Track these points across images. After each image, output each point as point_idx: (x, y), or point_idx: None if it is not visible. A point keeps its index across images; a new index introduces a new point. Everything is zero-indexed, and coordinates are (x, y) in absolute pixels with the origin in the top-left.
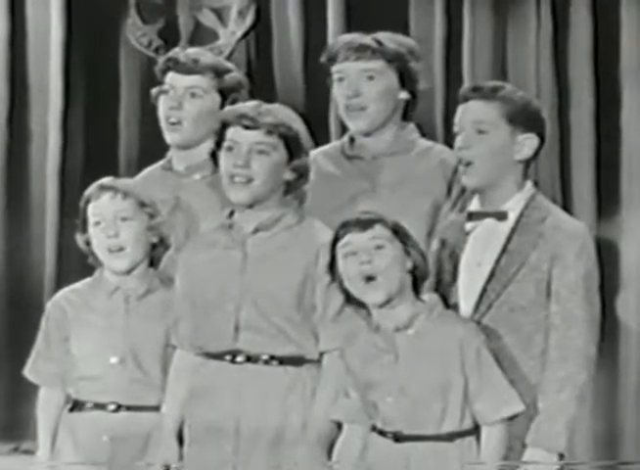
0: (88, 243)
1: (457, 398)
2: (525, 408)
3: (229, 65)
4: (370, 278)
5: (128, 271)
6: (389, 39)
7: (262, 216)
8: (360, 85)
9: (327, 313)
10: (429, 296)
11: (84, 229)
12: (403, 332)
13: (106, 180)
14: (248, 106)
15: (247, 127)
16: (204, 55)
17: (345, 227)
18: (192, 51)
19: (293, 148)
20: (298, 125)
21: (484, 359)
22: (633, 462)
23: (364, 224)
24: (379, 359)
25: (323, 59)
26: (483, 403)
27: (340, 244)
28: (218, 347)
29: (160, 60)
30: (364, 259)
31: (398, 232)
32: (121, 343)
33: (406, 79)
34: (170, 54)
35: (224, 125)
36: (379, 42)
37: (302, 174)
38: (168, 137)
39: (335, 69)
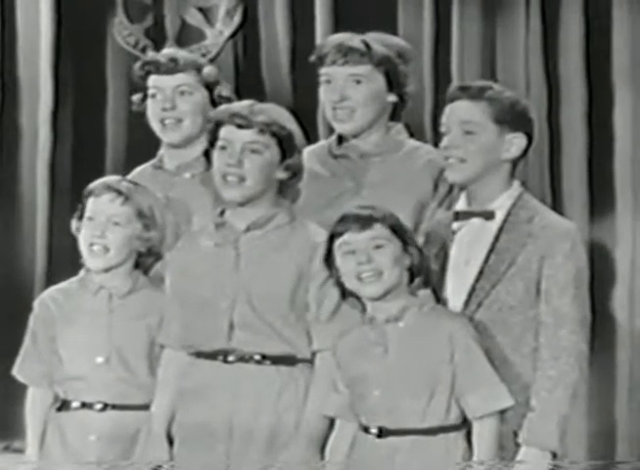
0: (79, 230)
1: (444, 392)
2: (514, 403)
3: (201, 59)
4: (367, 277)
5: (103, 271)
6: (379, 41)
7: (254, 215)
8: (347, 89)
9: (320, 313)
10: (422, 291)
11: (80, 217)
12: (394, 324)
13: (112, 180)
14: (241, 105)
15: (239, 126)
16: (178, 53)
17: (344, 224)
18: (167, 51)
19: (286, 147)
20: (292, 124)
21: (474, 354)
22: (627, 462)
23: (363, 223)
24: (369, 352)
25: (312, 59)
26: (473, 397)
27: (338, 241)
28: (211, 345)
29: (136, 66)
30: (362, 260)
31: (397, 230)
32: (106, 342)
33: (394, 82)
34: (146, 59)
35: (217, 124)
36: (367, 46)
37: (296, 173)
38: (167, 138)
39: (322, 71)
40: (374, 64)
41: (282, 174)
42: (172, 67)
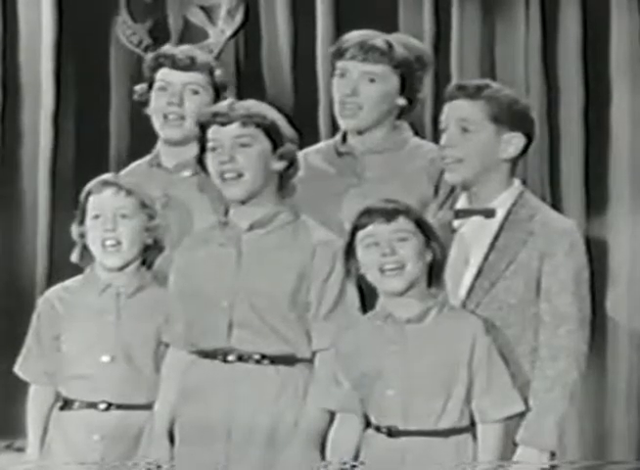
0: (83, 235)
1: (460, 394)
2: (524, 408)
3: (214, 61)
4: (391, 269)
5: (120, 269)
6: (401, 43)
7: (257, 214)
8: (359, 85)
9: (320, 312)
10: (436, 291)
11: (81, 221)
12: (415, 324)
13: (109, 176)
14: (220, 105)
15: (223, 124)
16: (195, 52)
17: (369, 216)
18: (185, 48)
19: (273, 136)
20: (273, 114)
21: (494, 358)
22: (623, 462)
23: (388, 215)
24: (383, 350)
25: (331, 51)
26: (488, 402)
27: (361, 233)
28: (212, 344)
29: (150, 56)
30: (387, 252)
31: (421, 224)
32: (113, 341)
33: (407, 86)
34: (162, 51)
35: (202, 128)
36: (389, 46)
37: (291, 162)
38: (166, 133)
39: (339, 64)
40: (392, 65)
41: (278, 165)
42: (188, 63)
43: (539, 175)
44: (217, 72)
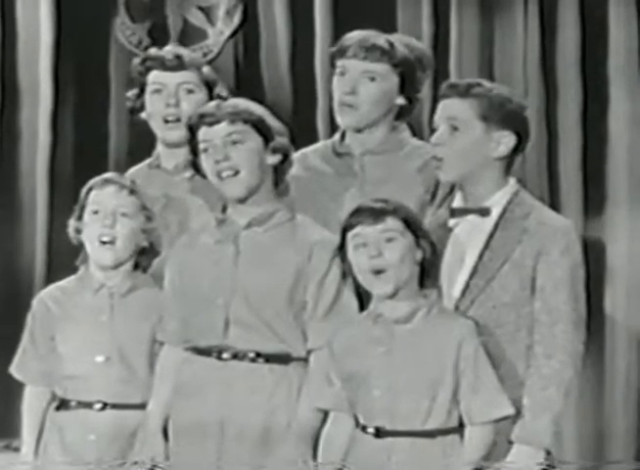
0: (79, 231)
1: (446, 395)
2: (514, 412)
3: (201, 58)
4: (379, 271)
5: (112, 267)
6: (403, 43)
7: (255, 212)
8: (359, 84)
9: (317, 311)
10: (429, 291)
11: (79, 216)
12: (402, 325)
13: (112, 175)
14: (207, 106)
15: (211, 124)
16: (181, 50)
17: (358, 216)
18: (170, 48)
19: (263, 131)
20: (260, 110)
21: (481, 360)
22: (620, 462)
23: (376, 216)
24: (370, 350)
25: (333, 50)
26: (474, 404)
27: (350, 233)
28: (207, 341)
29: (136, 61)
30: (374, 254)
31: (410, 223)
32: (107, 341)
33: (407, 86)
34: (148, 54)
35: (192, 131)
36: (391, 45)
37: (286, 155)
38: (168, 136)
39: (339, 63)
40: (392, 64)
41: (272, 159)
42: (177, 63)
43: (537, 175)
44: (205, 69)
